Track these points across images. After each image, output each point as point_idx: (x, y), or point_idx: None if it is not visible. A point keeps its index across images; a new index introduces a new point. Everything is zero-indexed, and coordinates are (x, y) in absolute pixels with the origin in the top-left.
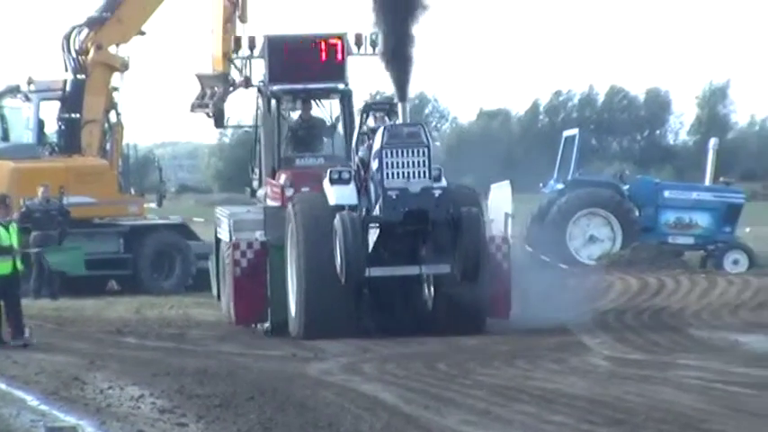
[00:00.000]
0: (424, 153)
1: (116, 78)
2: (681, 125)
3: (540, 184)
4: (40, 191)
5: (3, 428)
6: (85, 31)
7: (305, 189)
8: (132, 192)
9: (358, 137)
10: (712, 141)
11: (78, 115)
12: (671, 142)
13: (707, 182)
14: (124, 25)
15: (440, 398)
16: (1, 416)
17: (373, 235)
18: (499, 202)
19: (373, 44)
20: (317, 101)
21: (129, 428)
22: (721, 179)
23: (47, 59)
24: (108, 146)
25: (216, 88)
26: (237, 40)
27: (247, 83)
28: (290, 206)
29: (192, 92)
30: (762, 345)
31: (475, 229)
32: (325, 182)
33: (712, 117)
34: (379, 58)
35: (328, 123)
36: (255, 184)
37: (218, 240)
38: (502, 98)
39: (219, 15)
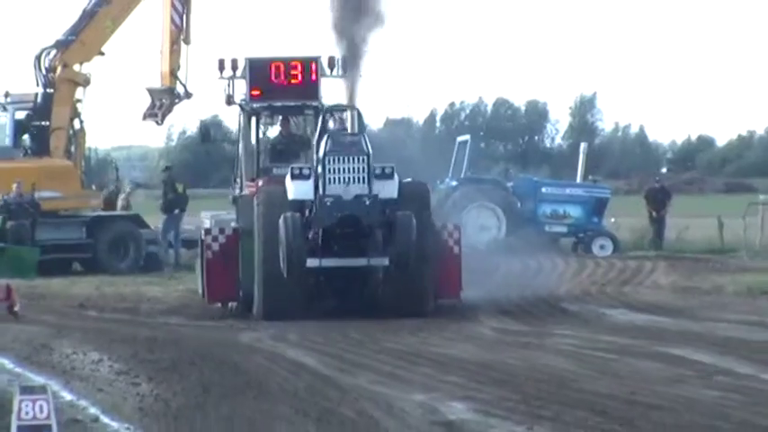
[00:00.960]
0: (363, 160)
1: (79, 92)
2: (556, 131)
3: (438, 181)
4: (15, 186)
5: None
6: (54, 51)
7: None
8: (93, 187)
9: (318, 138)
10: (582, 145)
11: (47, 123)
12: (548, 146)
13: (578, 180)
14: (86, 47)
15: (353, 362)
16: None
17: (318, 234)
18: None
19: (344, 67)
20: (295, 117)
21: (90, 387)
22: (590, 177)
23: (20, 75)
24: (72, 149)
25: (164, 100)
26: (221, 62)
27: (230, 101)
28: (255, 197)
29: (144, 103)
30: (623, 317)
31: (407, 230)
32: (287, 177)
33: (582, 124)
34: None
35: (305, 139)
36: (237, 191)
37: (201, 243)
38: (405, 108)
39: (167, 38)
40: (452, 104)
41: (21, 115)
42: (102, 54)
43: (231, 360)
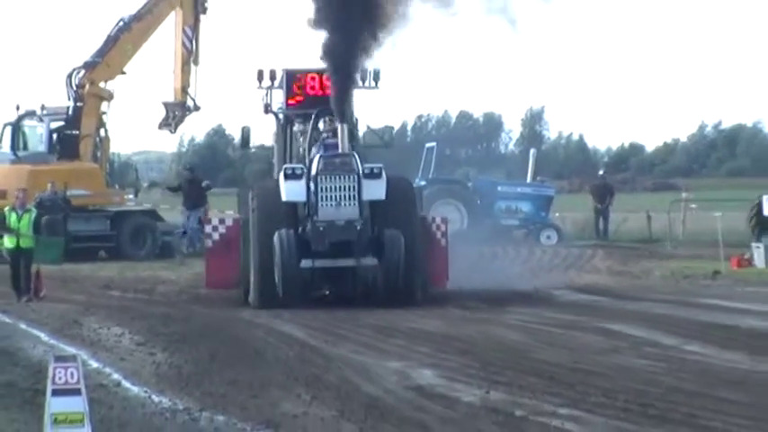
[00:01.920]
0: (353, 179)
1: (104, 105)
2: (509, 139)
3: None
4: (49, 186)
5: (24, 356)
6: (82, 71)
7: None
8: (116, 187)
9: (311, 139)
10: (531, 151)
11: (77, 132)
12: (502, 151)
13: (528, 180)
14: (110, 67)
15: (336, 334)
16: (22, 347)
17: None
18: None
19: (376, 79)
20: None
21: (113, 357)
22: (538, 178)
23: (55, 91)
24: (98, 153)
25: (176, 112)
26: (260, 73)
27: (267, 109)
28: (250, 193)
29: (159, 114)
30: (567, 297)
31: (396, 249)
32: (281, 177)
33: (531, 133)
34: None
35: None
36: None
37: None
38: (382, 119)
39: (179, 60)
40: (421, 116)
41: (55, 125)
42: (124, 73)
43: (233, 333)
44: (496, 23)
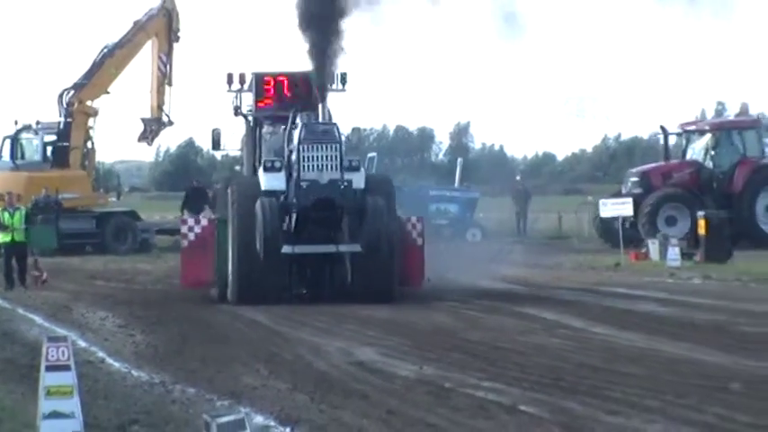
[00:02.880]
0: (336, 148)
1: (91, 121)
2: (440, 150)
3: None
4: (43, 190)
5: (21, 336)
6: (72, 92)
7: None
8: (101, 191)
9: (289, 132)
10: (459, 160)
11: (67, 144)
12: (433, 160)
13: (456, 185)
14: (96, 88)
15: (297, 321)
16: (20, 329)
17: (292, 219)
18: None
19: (343, 81)
20: None
21: (98, 337)
22: (464, 183)
23: (47, 108)
24: (86, 162)
25: (153, 127)
26: (230, 76)
27: (237, 112)
28: (229, 188)
29: (138, 128)
30: (489, 284)
31: (378, 214)
32: (260, 169)
33: (459, 144)
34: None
35: None
36: None
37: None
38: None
39: (155, 81)
40: (363, 129)
41: (48, 138)
42: (108, 93)
43: (203, 318)
44: (430, 49)
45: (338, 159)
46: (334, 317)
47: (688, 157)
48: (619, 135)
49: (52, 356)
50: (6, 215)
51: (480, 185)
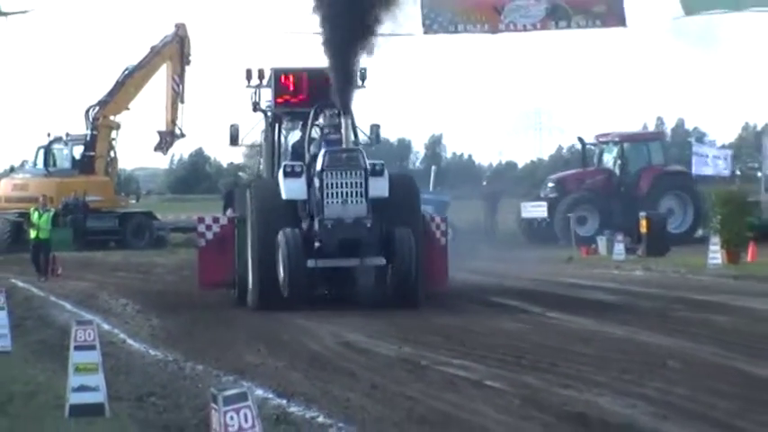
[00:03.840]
0: (360, 175)
1: (113, 134)
2: (417, 158)
3: None
4: (72, 194)
5: (53, 320)
6: (97, 108)
7: None
8: (122, 194)
9: (309, 133)
10: (433, 167)
11: (93, 153)
12: (411, 168)
13: (430, 189)
14: (118, 105)
15: (293, 307)
16: (52, 314)
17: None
18: None
19: (362, 78)
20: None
21: (120, 321)
22: (437, 188)
23: (76, 122)
24: (109, 169)
25: (167, 138)
26: (249, 72)
27: (255, 107)
28: (248, 191)
29: (154, 140)
30: (463, 277)
31: (407, 248)
32: (280, 174)
33: (433, 153)
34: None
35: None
36: None
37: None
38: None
39: (170, 99)
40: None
41: (77, 148)
42: (129, 109)
43: (211, 304)
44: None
45: (363, 186)
46: (327, 304)
47: (602, 164)
48: (572, 145)
49: (80, 338)
50: (36, 215)
51: (452, 190)
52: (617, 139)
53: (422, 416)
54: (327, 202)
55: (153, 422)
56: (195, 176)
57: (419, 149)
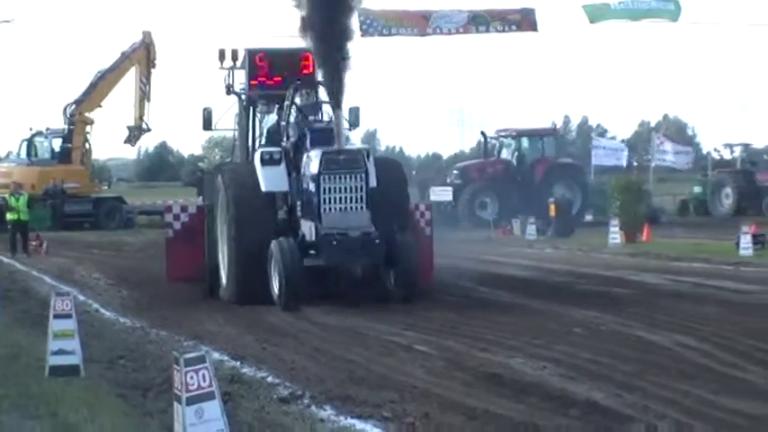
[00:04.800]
0: (361, 178)
1: (88, 128)
2: None
3: None
4: (52, 181)
5: (35, 292)
6: (74, 105)
7: None
8: (96, 181)
9: (288, 116)
10: None
11: (70, 145)
12: None
13: None
14: (92, 103)
15: None
16: (34, 287)
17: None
18: None
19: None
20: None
21: (94, 293)
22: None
23: (56, 118)
24: (84, 160)
25: (135, 132)
26: (222, 52)
27: (229, 90)
28: (219, 177)
29: (124, 133)
30: None
31: (411, 256)
32: (256, 161)
33: (369, 146)
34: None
35: None
36: None
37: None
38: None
39: (137, 97)
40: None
41: (56, 141)
42: (101, 106)
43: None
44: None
45: (363, 191)
46: None
47: (502, 156)
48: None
49: (59, 307)
50: (13, 199)
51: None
52: (515, 134)
53: (360, 377)
54: (325, 209)
55: (122, 381)
56: (160, 166)
57: (356, 142)
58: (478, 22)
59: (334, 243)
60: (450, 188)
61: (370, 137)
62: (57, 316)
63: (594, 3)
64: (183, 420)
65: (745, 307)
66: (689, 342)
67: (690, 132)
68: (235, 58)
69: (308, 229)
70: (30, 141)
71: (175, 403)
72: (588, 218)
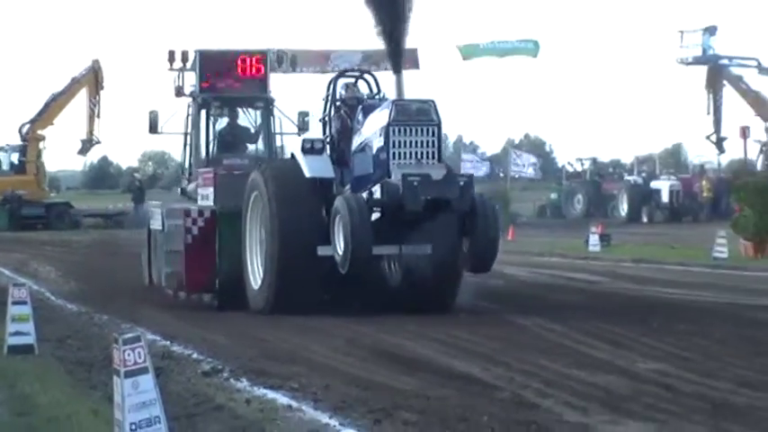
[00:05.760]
0: (434, 132)
1: (41, 144)
2: None
3: None
4: (10, 189)
5: None
6: (28, 125)
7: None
8: (47, 189)
9: (331, 107)
10: None
11: (25, 159)
12: None
13: None
14: (45, 122)
15: None
16: None
17: (372, 217)
18: None
19: (293, 63)
20: (244, 109)
21: (46, 283)
22: None
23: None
24: (38, 171)
25: (86, 145)
26: (171, 54)
27: (179, 92)
28: (256, 173)
29: (76, 146)
30: None
31: (492, 220)
32: (297, 152)
33: None
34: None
35: (252, 131)
36: (185, 183)
37: (149, 232)
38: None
39: (88, 115)
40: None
41: (14, 155)
42: (53, 124)
43: (116, 270)
44: None
45: (436, 146)
46: None
47: None
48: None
49: (16, 295)
50: None
51: None
52: None
53: (272, 354)
54: (394, 164)
55: (70, 358)
56: (102, 176)
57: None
58: (371, 60)
59: (415, 184)
60: None
61: None
62: (14, 302)
63: (466, 43)
64: (122, 391)
65: (596, 294)
66: (551, 325)
67: (547, 149)
68: (185, 59)
69: (372, 190)
70: None
71: (115, 377)
72: None
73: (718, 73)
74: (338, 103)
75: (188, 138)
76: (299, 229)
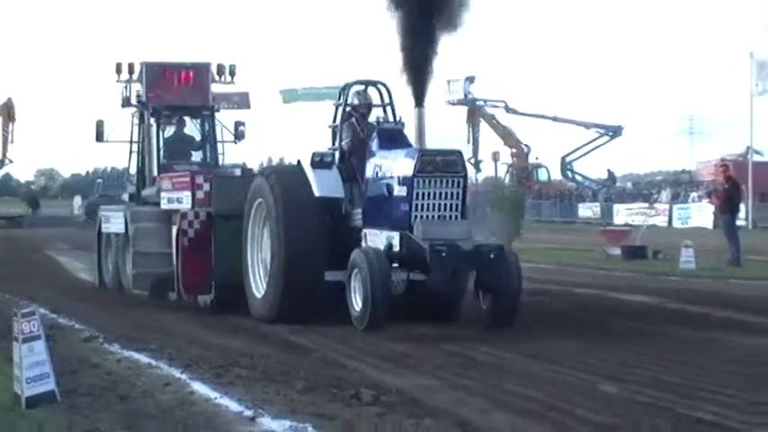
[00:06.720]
0: (459, 184)
1: None
2: None
3: None
4: None
5: None
6: None
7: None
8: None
9: (343, 114)
10: None
11: None
12: None
13: None
14: None
15: None
16: None
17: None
18: None
19: (232, 74)
20: (192, 118)
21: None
22: None
23: None
24: None
25: (7, 162)
26: (119, 66)
27: (126, 102)
28: (260, 179)
29: None
30: None
31: (518, 276)
32: (306, 165)
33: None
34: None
35: (197, 139)
36: (132, 188)
37: (100, 235)
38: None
39: (1, 140)
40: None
41: None
42: None
43: (33, 260)
44: None
45: (460, 198)
46: None
47: None
48: None
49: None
50: None
51: None
52: None
53: (140, 326)
54: (418, 216)
55: None
56: (6, 188)
57: None
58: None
59: (444, 256)
60: None
61: None
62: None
63: (286, 88)
64: (20, 354)
65: None
66: None
67: None
68: (131, 71)
69: (390, 239)
70: None
71: (14, 343)
72: None
73: (476, 111)
74: (348, 109)
75: (134, 146)
76: (304, 239)
